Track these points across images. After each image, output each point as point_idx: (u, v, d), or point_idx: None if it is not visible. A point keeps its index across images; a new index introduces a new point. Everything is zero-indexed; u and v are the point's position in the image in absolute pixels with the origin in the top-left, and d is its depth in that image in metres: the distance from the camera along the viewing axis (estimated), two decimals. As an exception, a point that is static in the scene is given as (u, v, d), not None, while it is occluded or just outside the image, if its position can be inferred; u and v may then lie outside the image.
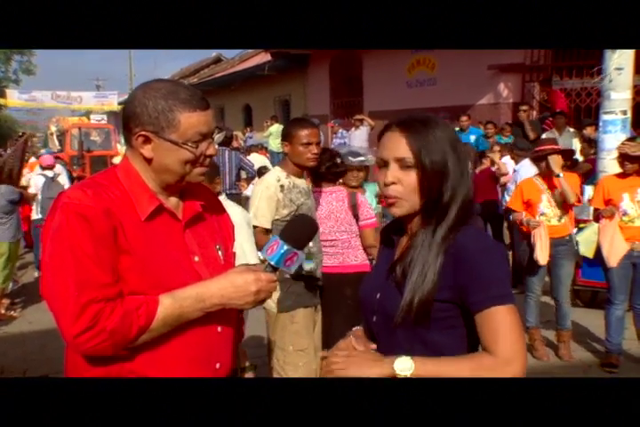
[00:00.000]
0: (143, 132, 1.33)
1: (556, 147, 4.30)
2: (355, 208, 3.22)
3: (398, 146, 1.28)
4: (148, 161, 1.36)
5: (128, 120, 1.35)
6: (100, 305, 1.23)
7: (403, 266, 1.30)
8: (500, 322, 1.19)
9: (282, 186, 2.78)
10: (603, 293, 5.39)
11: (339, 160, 3.28)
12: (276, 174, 2.86)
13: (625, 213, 4.05)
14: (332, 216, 3.19)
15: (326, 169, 3.23)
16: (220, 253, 1.49)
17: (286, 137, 2.84)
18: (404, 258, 1.32)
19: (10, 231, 5.60)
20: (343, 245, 3.19)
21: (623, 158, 4.06)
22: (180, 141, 1.33)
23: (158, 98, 1.32)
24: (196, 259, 1.41)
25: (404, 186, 1.29)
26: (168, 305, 1.29)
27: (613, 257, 4.03)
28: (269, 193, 2.78)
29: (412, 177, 1.28)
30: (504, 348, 1.17)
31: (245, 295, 1.34)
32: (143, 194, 1.36)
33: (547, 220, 4.27)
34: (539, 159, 4.27)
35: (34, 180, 7.69)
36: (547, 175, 4.24)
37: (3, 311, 5.65)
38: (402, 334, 1.29)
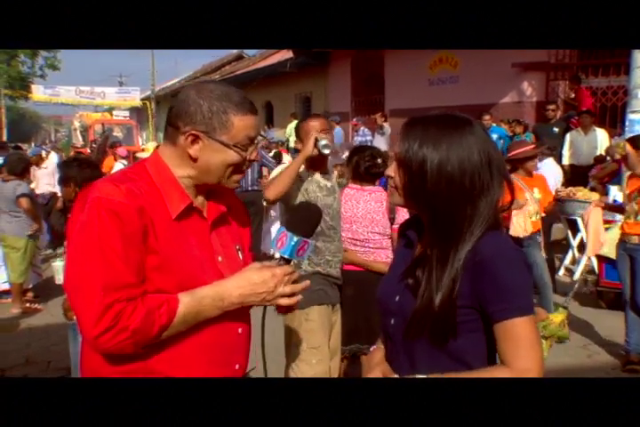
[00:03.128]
0: (194, 132, 1.33)
1: (530, 149, 4.65)
2: (393, 211, 3.17)
3: (399, 142, 1.31)
4: (193, 160, 1.36)
5: (177, 118, 1.35)
6: (122, 304, 1.23)
7: (419, 271, 1.30)
8: (519, 334, 1.20)
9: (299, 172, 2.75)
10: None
11: (379, 160, 3.20)
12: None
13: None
14: (367, 216, 3.15)
15: (365, 168, 3.19)
16: (239, 253, 1.49)
17: (298, 134, 2.83)
18: (420, 262, 1.32)
19: (27, 226, 5.68)
20: (375, 245, 3.16)
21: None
22: (231, 144, 1.34)
23: (213, 99, 1.33)
24: (220, 259, 1.42)
25: (395, 181, 1.32)
26: (187, 303, 1.29)
27: (594, 246, 4.41)
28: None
29: (400, 174, 1.31)
30: (520, 362, 1.19)
31: (263, 292, 1.35)
32: (174, 191, 1.36)
33: (529, 215, 4.65)
34: (518, 162, 4.61)
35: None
36: (528, 175, 4.66)
37: (27, 304, 5.75)
38: (419, 339, 1.28)
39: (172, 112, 1.37)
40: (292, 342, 2.81)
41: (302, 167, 2.77)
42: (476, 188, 1.25)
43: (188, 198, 1.37)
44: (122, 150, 11.11)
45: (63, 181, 3.36)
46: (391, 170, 1.34)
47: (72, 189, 3.27)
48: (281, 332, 2.88)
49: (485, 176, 1.25)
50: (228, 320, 1.37)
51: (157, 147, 1.47)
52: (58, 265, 3.37)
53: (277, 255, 1.40)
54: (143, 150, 10.97)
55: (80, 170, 3.27)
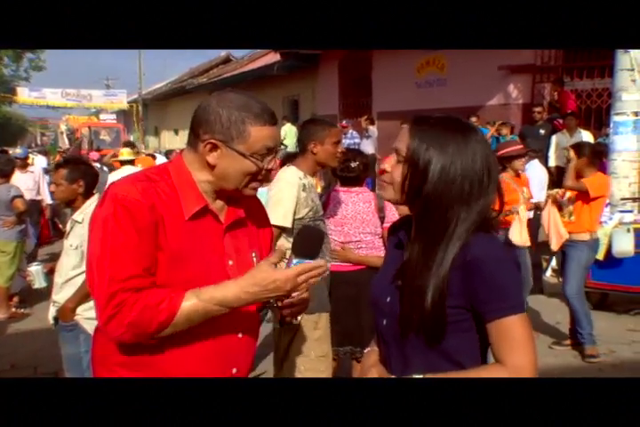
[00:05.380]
0: (212, 140, 1.37)
1: (520, 148, 4.66)
2: (382, 210, 3.17)
3: (401, 139, 1.31)
4: (211, 167, 1.41)
5: (198, 126, 1.40)
6: (126, 294, 1.28)
7: (409, 272, 1.29)
8: (512, 332, 1.21)
9: (304, 184, 2.73)
10: (612, 295, 5.36)
11: (353, 164, 3.18)
12: (297, 174, 2.78)
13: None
14: (357, 217, 3.15)
15: (340, 171, 3.19)
16: (254, 260, 1.50)
17: (315, 137, 2.76)
18: (411, 263, 1.31)
19: (18, 231, 5.62)
20: (368, 246, 3.17)
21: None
22: (248, 153, 1.38)
23: (232, 109, 1.37)
24: (231, 263, 1.44)
25: (393, 177, 1.32)
26: (193, 302, 1.31)
27: (557, 241, 4.48)
28: (295, 193, 2.70)
29: (399, 170, 1.30)
30: (515, 359, 1.20)
31: (270, 283, 1.31)
32: (191, 193, 1.41)
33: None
34: (506, 160, 4.56)
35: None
36: (516, 175, 4.62)
37: (13, 309, 5.68)
38: (412, 340, 1.28)
39: (194, 120, 1.42)
40: (298, 351, 2.73)
41: (302, 173, 2.76)
42: (474, 193, 1.26)
43: (203, 200, 1.41)
44: (93, 154, 12.01)
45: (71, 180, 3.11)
46: (388, 165, 1.34)
47: (77, 186, 3.05)
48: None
49: (483, 183, 1.27)
50: (228, 325, 1.39)
51: (181, 151, 1.53)
52: (35, 270, 3.27)
53: None
54: (115, 155, 10.35)
55: (79, 168, 3.09)
